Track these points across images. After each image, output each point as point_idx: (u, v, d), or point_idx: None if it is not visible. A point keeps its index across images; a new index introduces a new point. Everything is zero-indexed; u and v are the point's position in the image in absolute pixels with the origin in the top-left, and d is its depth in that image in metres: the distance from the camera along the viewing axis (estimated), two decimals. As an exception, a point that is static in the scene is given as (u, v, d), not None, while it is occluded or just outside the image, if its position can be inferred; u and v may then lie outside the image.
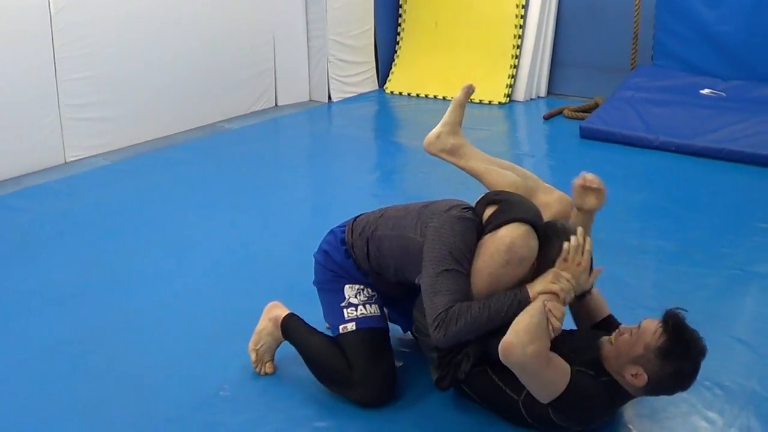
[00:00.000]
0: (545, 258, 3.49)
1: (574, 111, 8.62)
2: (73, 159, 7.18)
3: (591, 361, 3.42)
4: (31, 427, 3.61)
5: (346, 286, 3.88)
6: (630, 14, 8.94)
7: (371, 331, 3.77)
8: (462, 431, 3.58)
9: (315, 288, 4.03)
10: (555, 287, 3.35)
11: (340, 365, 3.73)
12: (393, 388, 3.76)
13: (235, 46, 8.58)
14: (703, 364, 3.97)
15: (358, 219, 3.95)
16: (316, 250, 4.03)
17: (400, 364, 3.93)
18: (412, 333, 4.05)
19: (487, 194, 3.72)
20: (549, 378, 3.29)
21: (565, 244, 3.47)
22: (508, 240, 3.42)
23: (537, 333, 3.26)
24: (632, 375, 3.31)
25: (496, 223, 3.49)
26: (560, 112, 8.73)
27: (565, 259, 3.44)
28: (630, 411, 3.65)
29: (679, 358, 3.27)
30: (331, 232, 4.01)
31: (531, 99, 9.46)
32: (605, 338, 3.47)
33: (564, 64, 9.62)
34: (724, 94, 7.97)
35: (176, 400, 3.79)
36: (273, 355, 4.00)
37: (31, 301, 4.75)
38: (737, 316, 4.59)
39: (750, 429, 3.58)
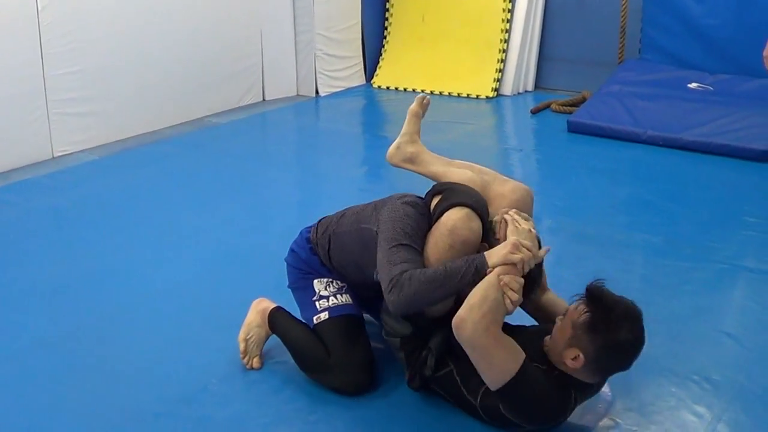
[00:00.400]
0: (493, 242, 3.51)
1: (562, 105, 8.63)
2: (60, 154, 7.16)
3: (541, 355, 3.41)
4: (18, 423, 3.60)
5: (315, 281, 3.94)
6: (617, 8, 8.95)
7: (345, 318, 3.82)
8: (454, 421, 3.58)
9: (291, 292, 4.08)
10: (514, 257, 3.29)
11: (318, 352, 3.77)
12: (371, 373, 3.79)
13: (223, 41, 8.57)
14: (692, 357, 4.02)
15: (323, 220, 4.03)
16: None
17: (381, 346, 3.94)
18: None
19: (433, 186, 3.80)
20: (499, 358, 3.24)
21: (509, 214, 3.52)
22: (450, 224, 3.47)
23: (490, 308, 3.22)
24: (572, 359, 3.27)
25: (439, 210, 3.55)
26: (548, 107, 8.73)
27: (516, 227, 3.41)
28: (618, 405, 3.66)
29: (605, 327, 3.21)
30: (300, 233, 4.10)
31: (518, 93, 9.45)
32: (547, 336, 3.45)
33: (551, 58, 9.62)
34: (711, 87, 7.99)
35: (164, 394, 3.79)
36: (261, 349, 4.01)
37: (17, 296, 4.74)
38: (725, 310, 4.60)
39: (738, 423, 3.59)
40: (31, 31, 6.80)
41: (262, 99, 9.16)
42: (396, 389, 3.80)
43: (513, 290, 3.26)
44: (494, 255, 3.32)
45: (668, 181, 6.61)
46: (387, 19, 10.06)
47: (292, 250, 4.07)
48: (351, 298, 3.91)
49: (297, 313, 4.01)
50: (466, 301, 3.27)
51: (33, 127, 6.95)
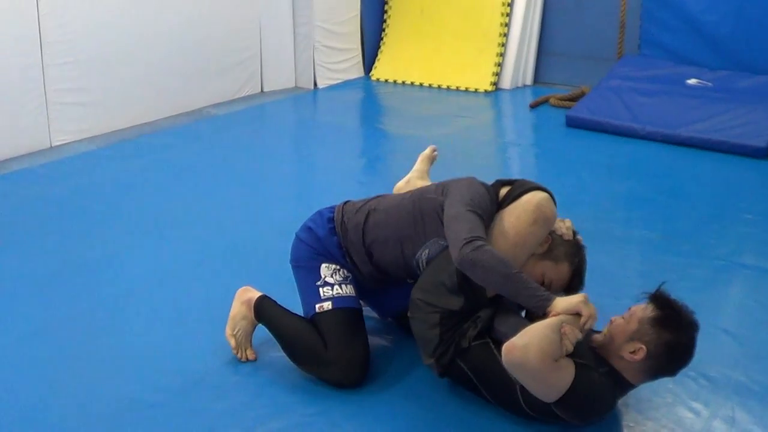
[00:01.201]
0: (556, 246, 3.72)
1: (561, 100, 8.63)
2: (58, 143, 7.16)
3: (588, 352, 3.43)
4: (12, 413, 3.60)
5: (323, 265, 3.91)
6: (617, 3, 8.95)
7: (347, 311, 3.80)
8: (451, 413, 3.57)
9: (291, 268, 4.05)
10: (584, 308, 3.32)
11: (315, 344, 3.75)
12: (366, 368, 3.78)
13: (222, 32, 8.56)
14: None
15: (348, 202, 4.02)
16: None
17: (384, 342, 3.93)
18: (394, 319, 4.10)
19: (498, 180, 3.87)
20: (552, 380, 3.26)
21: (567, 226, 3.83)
22: (535, 200, 3.62)
23: (547, 346, 3.21)
24: (631, 352, 3.33)
25: (514, 195, 3.68)
26: (546, 101, 8.73)
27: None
28: (615, 401, 3.66)
29: (673, 324, 3.33)
30: (318, 212, 4.07)
31: (517, 87, 9.45)
32: (594, 334, 3.47)
33: (550, 53, 9.62)
34: (710, 84, 7.98)
35: (159, 385, 3.78)
36: (251, 340, 4.01)
37: (13, 285, 4.73)
38: (722, 307, 4.60)
39: (734, 419, 3.58)
40: (30, 20, 6.79)
41: (260, 90, 9.16)
42: (396, 382, 3.80)
43: (570, 341, 3.27)
44: (563, 301, 3.35)
45: (666, 176, 6.61)
46: (386, 11, 10.06)
47: (308, 228, 4.02)
48: (354, 289, 3.89)
49: (288, 304, 3.99)
50: (524, 331, 3.27)
51: (31, 116, 6.94)
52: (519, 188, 3.71)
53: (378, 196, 4.00)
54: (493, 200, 3.71)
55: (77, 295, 4.62)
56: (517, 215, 3.61)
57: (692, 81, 8.04)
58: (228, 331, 3.98)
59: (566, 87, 9.21)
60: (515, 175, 6.54)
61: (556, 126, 7.95)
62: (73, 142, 7.26)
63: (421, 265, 3.73)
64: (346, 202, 4.03)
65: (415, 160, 4.52)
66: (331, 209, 4.03)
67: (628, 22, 8.91)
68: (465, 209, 3.56)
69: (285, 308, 3.94)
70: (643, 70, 8.35)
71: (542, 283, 3.62)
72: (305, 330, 3.80)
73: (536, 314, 3.41)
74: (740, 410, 3.64)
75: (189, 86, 8.35)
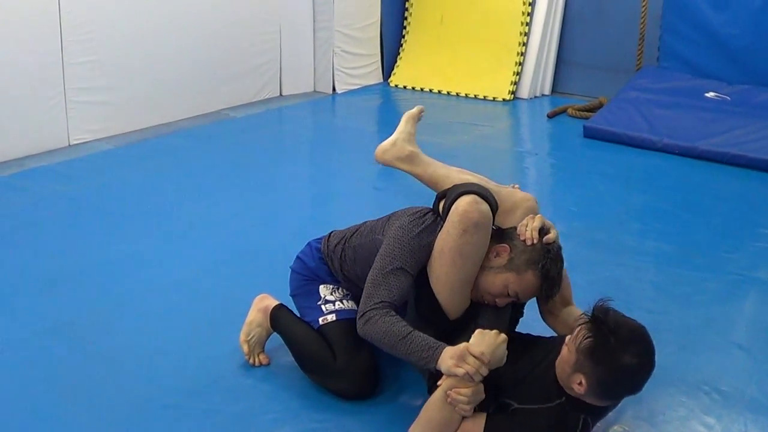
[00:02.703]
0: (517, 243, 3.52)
1: (578, 110, 8.62)
2: (76, 142, 7.18)
3: (540, 382, 3.31)
4: (26, 411, 3.61)
5: (321, 287, 3.93)
6: (636, 15, 8.93)
7: (351, 322, 3.73)
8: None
9: (292, 299, 4.06)
10: (458, 371, 3.18)
11: (324, 354, 3.74)
12: (375, 378, 3.76)
13: (242, 36, 8.58)
14: (702, 368, 4.01)
15: (333, 233, 4.01)
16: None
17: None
18: None
19: (437, 194, 3.73)
20: None
21: (534, 220, 3.56)
22: (459, 209, 3.42)
23: (437, 428, 3.25)
24: (577, 384, 3.14)
25: (446, 207, 3.51)
26: (564, 111, 8.73)
27: (481, 335, 3.26)
28: (628, 413, 3.64)
29: (606, 353, 3.06)
30: (308, 244, 4.08)
31: (535, 97, 9.45)
32: (558, 358, 3.30)
33: (569, 63, 9.61)
34: (728, 97, 7.96)
35: (173, 387, 3.79)
36: (264, 347, 4.01)
37: (29, 283, 4.75)
38: (736, 321, 4.58)
39: (747, 434, 3.59)
40: (51, 19, 6.82)
41: (279, 94, 9.16)
42: (406, 391, 3.80)
43: (462, 404, 3.20)
44: (445, 360, 3.21)
45: (683, 190, 6.60)
46: (406, 18, 10.06)
47: (299, 258, 4.06)
48: (355, 304, 3.84)
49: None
50: (419, 416, 3.30)
51: (50, 114, 6.97)
52: (449, 200, 3.52)
53: (357, 228, 3.91)
54: (428, 230, 3.55)
55: (91, 294, 4.63)
56: (447, 231, 3.46)
57: (711, 94, 8.03)
58: (242, 336, 3.99)
59: (584, 97, 9.21)
60: (531, 184, 6.57)
61: (573, 136, 7.94)
62: (92, 141, 7.27)
63: None
64: (331, 233, 4.02)
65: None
66: (319, 240, 4.03)
67: (648, 33, 8.89)
68: (378, 272, 3.49)
69: (300, 319, 3.94)
70: (661, 82, 8.33)
71: (508, 295, 3.49)
72: (316, 340, 3.79)
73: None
74: (753, 425, 3.63)
75: (208, 88, 8.36)
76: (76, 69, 7.08)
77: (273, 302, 4.02)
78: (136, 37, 7.55)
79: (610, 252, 5.35)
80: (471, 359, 3.17)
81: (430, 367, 3.28)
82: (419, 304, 3.58)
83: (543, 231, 3.53)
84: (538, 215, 3.61)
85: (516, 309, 3.75)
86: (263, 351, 4.00)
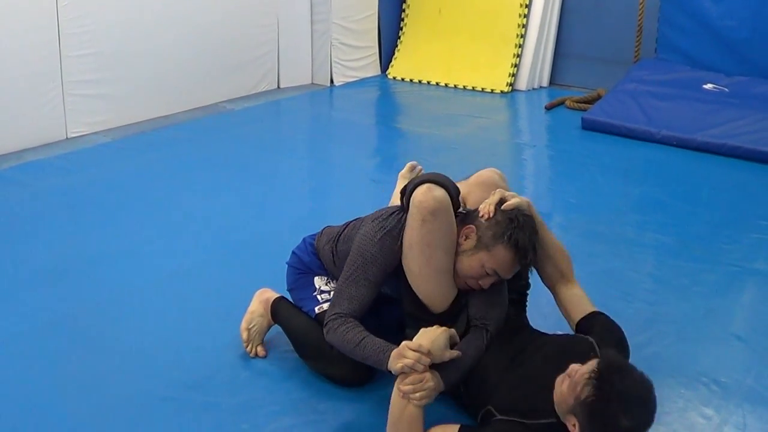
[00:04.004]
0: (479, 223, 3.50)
1: (577, 102, 8.62)
2: (74, 135, 7.18)
3: (530, 401, 3.23)
4: (25, 402, 3.62)
5: (316, 278, 3.96)
6: (634, 6, 8.93)
7: None
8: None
9: (289, 293, 4.07)
10: (396, 367, 3.28)
11: (321, 341, 3.70)
12: (370, 366, 3.68)
13: (239, 28, 8.57)
14: (701, 359, 4.02)
15: (325, 229, 4.03)
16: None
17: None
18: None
19: (401, 190, 3.66)
20: None
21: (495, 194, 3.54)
22: (416, 201, 3.40)
23: (402, 428, 3.28)
24: (572, 425, 3.05)
25: (405, 202, 3.51)
26: (562, 103, 8.73)
27: (424, 331, 3.34)
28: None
29: (604, 415, 2.94)
30: (303, 240, 4.11)
31: (533, 89, 9.45)
32: (560, 377, 3.14)
33: (567, 55, 9.61)
34: (726, 89, 7.97)
35: (172, 379, 3.80)
36: (263, 338, 4.03)
37: (27, 276, 4.75)
38: (735, 313, 4.59)
39: (746, 425, 3.58)
40: (49, 11, 6.81)
41: (276, 86, 9.16)
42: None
43: (415, 396, 3.24)
44: (391, 361, 3.31)
45: (681, 181, 6.60)
46: (404, 10, 10.06)
47: (294, 253, 4.08)
48: None
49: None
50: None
51: (48, 107, 6.96)
52: (407, 194, 3.50)
53: (343, 229, 3.91)
54: (390, 233, 3.52)
55: (90, 288, 4.63)
56: (408, 225, 3.44)
57: (708, 86, 8.03)
58: (243, 324, 4.00)
59: (582, 89, 9.22)
60: (530, 176, 6.59)
61: (571, 128, 7.94)
62: (89, 134, 7.27)
63: (389, 293, 3.73)
64: (324, 229, 4.04)
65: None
66: (313, 236, 4.06)
67: (646, 25, 8.89)
68: (342, 281, 3.57)
69: (300, 309, 3.95)
70: (659, 74, 8.34)
71: (488, 275, 3.45)
72: (313, 328, 3.80)
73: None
74: (751, 417, 3.63)
75: (205, 81, 8.36)
76: (74, 62, 7.07)
77: (274, 295, 4.05)
78: (134, 30, 7.54)
79: (609, 243, 5.35)
80: (409, 353, 3.26)
81: (384, 369, 3.34)
82: (405, 304, 3.58)
83: (502, 201, 3.51)
84: (498, 189, 3.59)
85: (518, 283, 3.78)
86: (262, 343, 4.02)
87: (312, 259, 3.98)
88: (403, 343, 3.31)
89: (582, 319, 3.64)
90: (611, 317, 3.65)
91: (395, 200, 4.31)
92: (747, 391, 3.81)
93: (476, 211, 3.55)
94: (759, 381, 3.89)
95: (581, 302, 3.71)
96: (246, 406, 3.62)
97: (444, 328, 3.35)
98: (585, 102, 8.60)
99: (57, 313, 4.35)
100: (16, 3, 6.58)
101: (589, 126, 7.82)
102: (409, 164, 4.56)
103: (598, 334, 3.48)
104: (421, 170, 4.56)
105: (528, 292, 3.87)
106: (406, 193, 3.51)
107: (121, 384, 3.76)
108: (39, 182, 6.18)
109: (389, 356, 3.31)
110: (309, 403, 3.65)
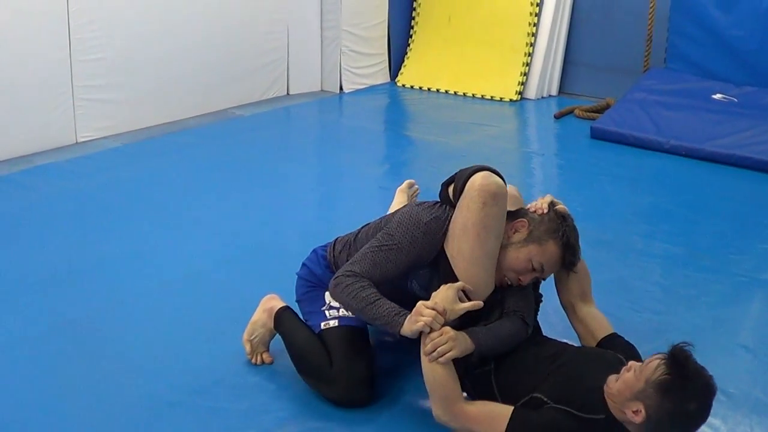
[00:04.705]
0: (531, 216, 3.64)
1: (586, 111, 8.62)
2: (84, 139, 7.19)
3: (588, 394, 3.26)
4: (32, 408, 3.62)
5: (327, 293, 3.89)
6: (644, 16, 8.93)
7: (352, 329, 3.77)
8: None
9: (297, 305, 4.05)
10: (416, 326, 3.31)
11: (321, 360, 3.70)
12: (370, 387, 3.72)
13: (249, 34, 8.58)
14: (709, 369, 3.97)
15: (338, 239, 4.02)
16: (299, 267, 4.10)
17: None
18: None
19: (443, 183, 3.74)
20: (482, 426, 3.28)
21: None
22: (476, 184, 3.46)
23: (439, 388, 3.31)
24: (633, 412, 3.10)
25: (458, 189, 3.55)
26: (571, 112, 8.73)
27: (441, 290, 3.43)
28: (633, 414, 3.65)
29: (678, 394, 3.04)
30: (314, 251, 4.09)
31: (542, 97, 9.45)
32: (613, 376, 3.24)
33: (576, 64, 9.61)
34: (735, 99, 7.96)
35: (178, 384, 3.80)
36: (267, 346, 4.02)
37: (36, 279, 4.76)
38: (743, 323, 4.59)
39: (752, 436, 3.59)
40: (60, 16, 6.83)
41: (286, 93, 9.17)
42: (409, 392, 3.80)
43: (440, 352, 3.28)
44: (406, 324, 3.35)
45: (689, 191, 6.60)
46: (413, 18, 10.06)
47: (304, 265, 4.06)
48: None
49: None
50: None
51: (58, 112, 6.98)
52: (459, 180, 3.56)
53: (358, 232, 3.93)
54: (437, 219, 3.58)
55: (98, 291, 4.64)
56: (466, 207, 3.47)
57: (718, 96, 8.03)
58: (245, 336, 3.99)
59: (591, 98, 9.21)
60: (538, 185, 6.58)
61: (580, 137, 7.94)
62: (99, 138, 7.28)
63: (416, 292, 3.70)
64: (336, 240, 4.03)
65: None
66: (324, 247, 4.05)
67: (655, 35, 8.89)
68: (373, 248, 3.57)
69: (303, 323, 3.92)
70: (668, 83, 8.33)
71: (533, 269, 3.56)
72: (315, 344, 3.75)
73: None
74: (759, 427, 3.63)
75: (215, 87, 8.37)
76: (85, 67, 7.09)
77: (279, 303, 4.01)
78: (144, 36, 7.56)
79: (617, 253, 5.35)
80: (425, 310, 3.31)
81: (395, 332, 3.37)
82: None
83: (553, 203, 3.69)
84: (547, 195, 3.77)
85: (535, 291, 3.80)
86: (267, 350, 4.01)
87: (324, 272, 3.94)
88: (419, 303, 3.36)
89: (603, 339, 3.68)
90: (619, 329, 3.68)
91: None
92: (754, 401, 3.81)
93: (523, 209, 3.70)
94: (766, 392, 3.88)
95: (603, 323, 3.76)
96: (253, 412, 3.62)
97: (450, 284, 3.42)
98: (594, 111, 8.59)
99: (64, 316, 4.36)
100: (28, 8, 6.60)
101: (598, 135, 7.82)
102: (407, 181, 4.63)
103: (622, 352, 3.50)
104: (417, 190, 4.72)
105: (540, 303, 3.85)
106: (458, 180, 3.57)
107: (129, 388, 3.76)
108: (48, 186, 6.19)
109: (403, 320, 3.34)
110: (316, 410, 3.65)
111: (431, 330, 3.30)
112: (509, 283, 3.59)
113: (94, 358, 4.00)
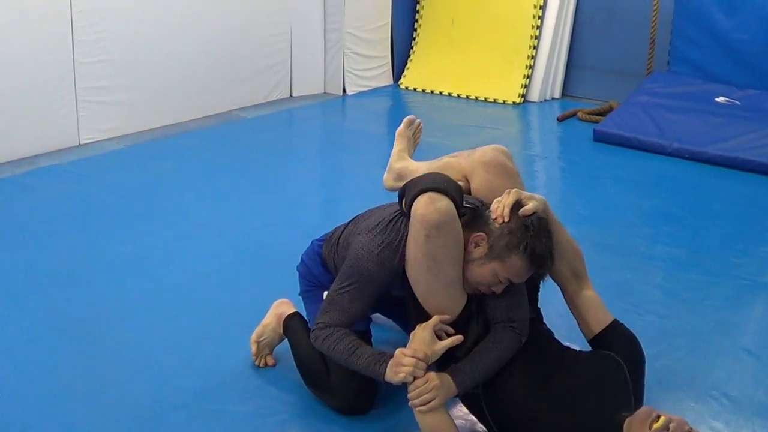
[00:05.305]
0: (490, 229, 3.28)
1: (589, 114, 8.62)
2: (87, 141, 7.20)
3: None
4: (35, 408, 3.62)
5: (325, 293, 3.76)
6: (647, 19, 8.93)
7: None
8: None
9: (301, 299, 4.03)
10: (396, 378, 3.23)
11: (320, 368, 3.68)
12: (368, 398, 3.66)
13: (252, 36, 8.59)
14: (711, 373, 4.02)
15: (335, 230, 3.85)
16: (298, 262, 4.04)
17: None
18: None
19: (399, 191, 3.46)
20: None
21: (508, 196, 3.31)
22: (417, 215, 3.17)
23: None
24: None
25: (407, 208, 3.29)
26: (574, 115, 8.73)
27: (415, 335, 3.31)
28: (636, 417, 3.65)
29: None
30: (311, 243, 3.97)
31: (545, 100, 9.44)
32: (627, 418, 3.07)
33: (580, 67, 9.61)
34: (738, 102, 7.95)
35: (182, 386, 3.80)
36: (272, 351, 4.01)
37: (38, 281, 4.77)
38: (745, 326, 4.58)
39: (755, 440, 3.59)
40: (63, 18, 6.84)
41: (289, 95, 9.18)
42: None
43: (424, 401, 3.21)
44: (389, 373, 3.25)
45: (692, 194, 6.60)
46: (417, 20, 10.06)
47: (303, 261, 3.97)
48: None
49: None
50: None
51: (61, 113, 6.99)
52: (408, 200, 3.28)
53: (346, 225, 3.75)
54: (390, 246, 3.33)
55: (100, 293, 4.65)
56: (412, 238, 3.23)
57: (721, 99, 8.02)
58: (253, 336, 3.98)
59: (594, 101, 9.21)
60: (541, 187, 6.58)
61: (583, 140, 7.94)
62: (102, 140, 7.29)
63: (399, 293, 3.55)
64: (334, 231, 3.85)
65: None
66: (321, 241, 3.89)
67: (659, 38, 8.89)
68: (337, 291, 3.44)
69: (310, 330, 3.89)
70: (671, 86, 8.33)
71: (501, 282, 3.28)
72: (315, 354, 3.67)
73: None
74: (761, 430, 3.62)
75: (218, 89, 8.38)
76: (87, 68, 7.10)
77: (290, 309, 3.99)
78: (147, 37, 7.57)
79: (620, 256, 5.34)
80: (405, 359, 3.21)
81: (381, 380, 3.30)
82: (411, 310, 3.45)
83: (518, 205, 3.28)
84: (514, 190, 3.34)
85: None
86: (271, 353, 4.01)
87: (321, 272, 3.86)
88: (398, 350, 3.25)
89: (600, 334, 3.50)
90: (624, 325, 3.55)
91: (393, 163, 4.30)
92: (757, 405, 3.80)
93: (487, 209, 3.34)
94: (769, 395, 3.89)
95: (597, 310, 3.54)
96: (256, 414, 3.62)
97: (425, 323, 3.28)
98: (597, 114, 8.60)
99: (67, 318, 4.36)
100: (31, 10, 6.61)
101: (600, 138, 7.82)
102: (406, 119, 4.42)
103: (619, 351, 3.37)
104: (420, 124, 4.50)
105: (541, 284, 3.71)
106: (406, 197, 3.30)
107: (132, 390, 3.76)
108: (51, 188, 6.20)
109: (385, 369, 3.26)
110: (320, 413, 3.64)
111: (415, 378, 3.22)
112: (483, 292, 3.37)
113: (97, 359, 4.00)
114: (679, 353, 4.14)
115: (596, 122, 8.22)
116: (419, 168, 4.03)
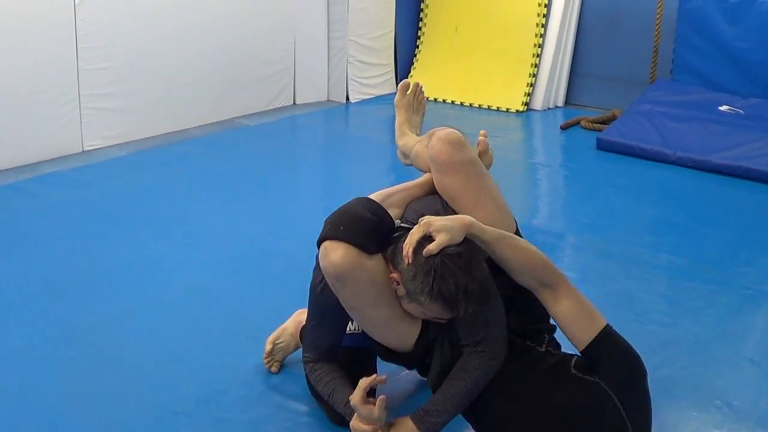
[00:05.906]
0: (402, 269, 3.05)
1: (592, 122, 8.62)
2: (90, 148, 7.21)
3: None
4: (37, 417, 3.62)
5: None
6: (651, 28, 8.94)
7: (356, 351, 3.60)
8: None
9: None
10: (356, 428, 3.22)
11: None
12: None
13: (256, 44, 8.60)
14: (714, 382, 4.01)
15: None
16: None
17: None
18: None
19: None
20: None
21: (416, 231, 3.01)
22: (324, 264, 3.05)
23: None
24: None
25: None
26: (577, 123, 8.72)
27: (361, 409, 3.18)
28: (638, 426, 3.64)
29: None
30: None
31: (548, 108, 9.44)
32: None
33: (583, 75, 9.60)
34: (742, 111, 7.95)
35: (185, 394, 3.80)
36: (284, 357, 4.00)
37: (41, 288, 4.76)
38: (748, 335, 4.57)
39: (757, 449, 3.58)
40: (67, 24, 6.85)
41: (292, 103, 9.18)
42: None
43: None
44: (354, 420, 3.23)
45: (695, 203, 6.59)
46: (420, 28, 10.07)
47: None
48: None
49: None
50: None
51: (64, 120, 6.99)
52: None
53: None
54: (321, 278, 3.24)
55: (103, 301, 4.64)
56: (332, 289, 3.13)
57: (724, 108, 8.02)
58: (271, 337, 3.96)
59: (598, 109, 9.21)
60: (544, 196, 6.60)
61: (586, 148, 7.93)
62: (105, 147, 7.29)
63: None
64: None
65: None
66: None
67: (662, 46, 8.89)
68: (306, 325, 3.52)
69: None
70: (675, 95, 8.33)
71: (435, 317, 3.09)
72: None
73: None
74: (764, 440, 3.63)
75: (221, 96, 8.39)
76: (91, 75, 7.10)
77: None
78: (151, 45, 7.58)
79: (622, 264, 5.34)
80: (360, 426, 3.20)
81: (349, 416, 3.29)
82: (374, 345, 3.38)
83: (426, 239, 2.97)
84: (424, 221, 3.01)
85: (507, 277, 3.22)
86: (281, 361, 3.99)
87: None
88: (352, 422, 3.22)
89: (588, 346, 3.15)
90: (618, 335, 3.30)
91: (396, 140, 4.25)
92: (760, 414, 3.79)
93: (400, 246, 3.05)
94: (772, 404, 3.88)
95: (578, 320, 3.16)
96: (258, 423, 3.62)
97: (353, 400, 3.17)
98: (600, 122, 8.59)
99: (69, 325, 4.36)
100: (34, 17, 6.62)
101: (604, 146, 7.81)
102: (400, 85, 4.24)
103: (609, 368, 3.13)
104: (417, 87, 4.33)
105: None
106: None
107: (134, 398, 3.76)
108: (54, 194, 6.20)
109: (347, 411, 3.30)
110: (323, 421, 3.63)
111: None
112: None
113: (99, 367, 4.00)
114: (682, 362, 4.13)
115: (599, 130, 8.22)
116: (414, 146, 3.99)
